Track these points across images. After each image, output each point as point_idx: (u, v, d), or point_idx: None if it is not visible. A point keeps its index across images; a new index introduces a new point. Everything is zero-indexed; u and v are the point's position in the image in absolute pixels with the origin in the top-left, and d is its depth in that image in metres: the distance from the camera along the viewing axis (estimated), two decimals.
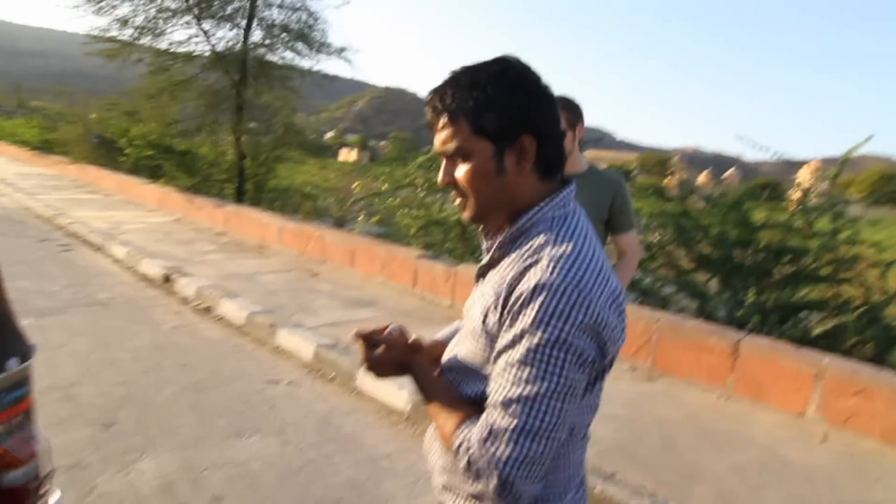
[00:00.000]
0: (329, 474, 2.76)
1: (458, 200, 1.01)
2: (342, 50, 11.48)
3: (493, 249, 1.00)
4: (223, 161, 12.40)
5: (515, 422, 0.85)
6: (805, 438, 3.52)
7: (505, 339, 0.88)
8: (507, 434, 0.85)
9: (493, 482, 0.86)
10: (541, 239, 0.93)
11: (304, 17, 11.29)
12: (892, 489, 3.02)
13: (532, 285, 0.86)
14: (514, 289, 0.89)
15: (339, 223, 12.93)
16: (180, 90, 10.82)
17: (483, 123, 0.92)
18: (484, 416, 0.89)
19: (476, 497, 0.97)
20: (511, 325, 0.88)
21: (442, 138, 0.96)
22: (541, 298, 0.85)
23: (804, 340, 5.04)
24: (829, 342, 5.09)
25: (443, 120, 0.95)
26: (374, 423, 3.39)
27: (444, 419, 0.97)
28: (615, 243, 2.67)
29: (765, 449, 3.33)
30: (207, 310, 5.27)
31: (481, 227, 1.06)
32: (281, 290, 5.89)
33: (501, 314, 0.90)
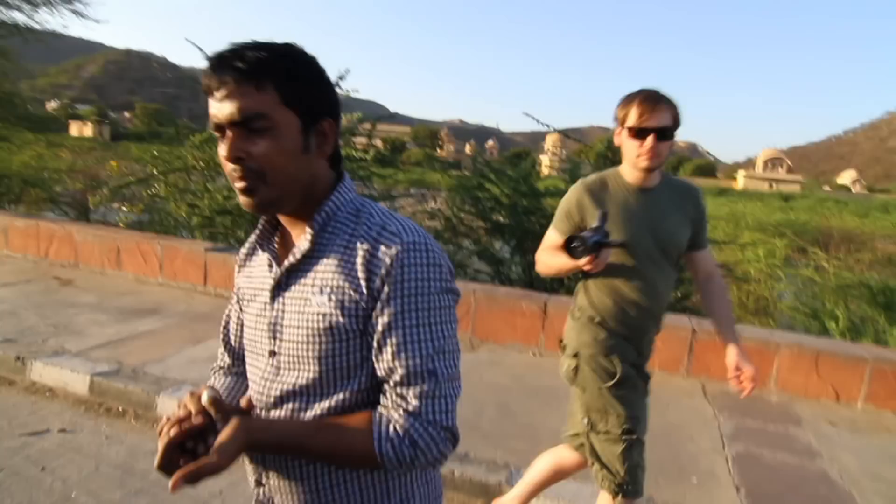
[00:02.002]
0: None
1: (241, 183, 0.83)
2: None
3: (302, 240, 0.89)
4: None
5: (435, 376, 0.83)
6: None
7: (394, 304, 0.83)
8: (436, 391, 0.83)
9: (446, 442, 0.84)
10: (368, 219, 0.88)
11: None
12: (680, 410, 3.63)
13: (399, 250, 0.83)
14: (378, 257, 0.83)
15: (81, 215, 10.70)
16: None
17: (295, 95, 0.83)
18: (401, 396, 0.83)
19: None
20: (393, 288, 0.82)
21: (238, 105, 0.80)
22: (417, 257, 0.84)
23: None
24: None
25: (243, 84, 0.80)
26: None
27: (345, 446, 0.83)
28: (694, 264, 2.02)
29: None
30: None
31: (271, 221, 0.96)
32: (22, 308, 4.59)
33: (370, 282, 0.83)
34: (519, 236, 6.52)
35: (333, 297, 0.85)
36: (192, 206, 6.60)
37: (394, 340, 0.83)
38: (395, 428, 0.82)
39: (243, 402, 0.89)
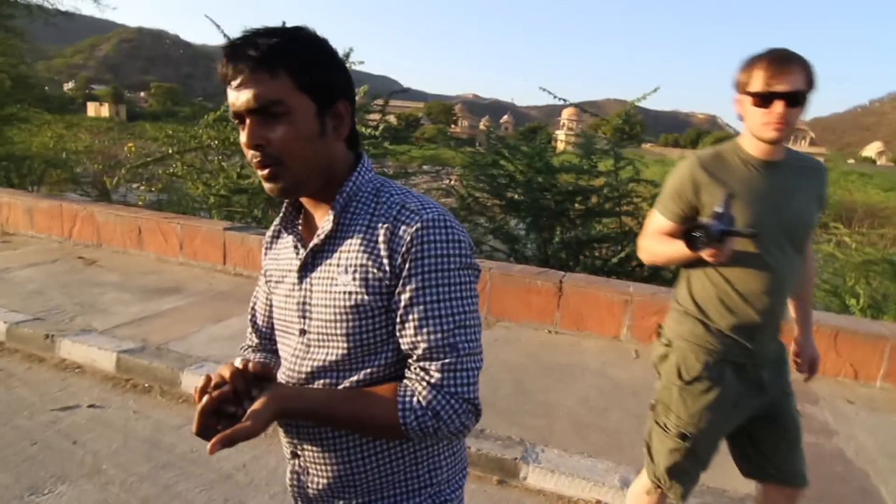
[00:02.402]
0: None
1: (265, 170, 0.87)
2: None
3: (325, 221, 0.92)
4: None
5: (457, 350, 0.86)
6: (623, 357, 4.04)
7: (415, 279, 0.85)
8: (457, 364, 0.86)
9: (468, 414, 0.87)
10: (388, 198, 0.91)
11: None
12: None
13: (419, 228, 0.85)
14: (399, 235, 0.86)
15: (103, 195, 10.84)
16: None
17: (308, 79, 0.85)
18: (424, 368, 0.87)
19: (404, 484, 0.96)
20: (418, 265, 0.85)
21: (254, 92, 0.83)
22: (436, 234, 0.86)
23: (604, 270, 5.78)
24: (620, 268, 5.92)
25: (257, 71, 0.83)
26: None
27: (368, 415, 0.87)
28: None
29: (596, 374, 3.73)
30: None
31: (294, 203, 0.99)
32: (49, 287, 4.71)
33: (392, 260, 0.86)
34: (534, 213, 6.48)
35: (358, 276, 0.88)
36: (207, 186, 6.67)
37: (416, 316, 0.86)
38: (418, 400, 0.85)
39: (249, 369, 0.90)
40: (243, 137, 0.86)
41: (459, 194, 7.00)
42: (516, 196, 6.58)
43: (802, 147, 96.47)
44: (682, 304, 1.74)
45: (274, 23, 0.88)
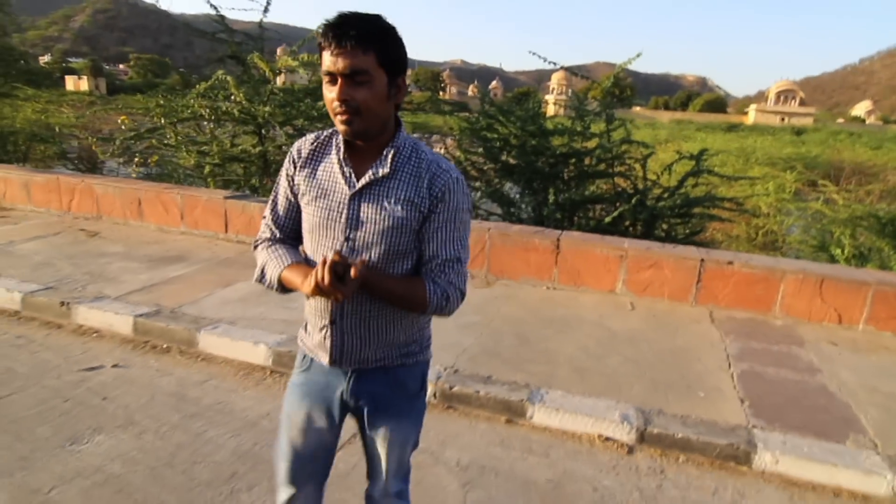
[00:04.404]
0: (210, 452, 2.45)
1: (343, 116, 1.19)
2: None
3: (383, 163, 1.27)
4: None
5: (461, 263, 1.33)
6: (619, 309, 4.22)
7: (440, 216, 1.28)
8: (461, 271, 1.33)
9: (460, 299, 1.33)
10: (428, 155, 1.30)
11: None
12: (688, 334, 3.83)
13: (449, 181, 1.28)
14: (436, 186, 1.27)
15: (91, 169, 10.74)
16: None
17: (386, 59, 1.18)
18: (439, 271, 1.30)
19: (410, 346, 1.41)
20: (444, 206, 1.28)
21: (349, 62, 1.15)
22: (459, 187, 1.29)
23: (599, 228, 5.92)
24: (613, 227, 6.06)
25: (354, 48, 1.14)
26: (237, 386, 3.07)
27: (413, 296, 1.29)
28: None
29: (594, 325, 3.91)
30: None
31: (355, 143, 1.28)
32: (56, 259, 4.79)
33: (430, 203, 1.27)
34: (528, 176, 6.58)
35: (405, 206, 1.27)
36: (202, 154, 6.68)
37: (439, 237, 1.30)
38: (438, 287, 1.30)
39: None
40: (334, 93, 1.18)
41: (456, 159, 7.07)
42: (510, 160, 6.66)
43: (792, 107, 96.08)
44: None
45: None
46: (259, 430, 2.65)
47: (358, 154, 1.29)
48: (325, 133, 1.37)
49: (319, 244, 1.33)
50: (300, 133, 7.00)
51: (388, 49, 1.18)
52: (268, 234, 1.43)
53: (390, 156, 1.26)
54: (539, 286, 4.64)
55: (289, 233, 1.42)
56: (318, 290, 1.16)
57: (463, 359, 3.28)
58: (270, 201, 1.45)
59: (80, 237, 5.52)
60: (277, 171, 7.21)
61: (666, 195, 6.42)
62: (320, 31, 1.17)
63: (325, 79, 1.19)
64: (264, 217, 1.45)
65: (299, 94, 6.88)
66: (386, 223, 1.26)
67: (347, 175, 1.29)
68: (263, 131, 6.99)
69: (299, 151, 1.36)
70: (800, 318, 4.17)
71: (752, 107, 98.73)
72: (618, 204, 6.17)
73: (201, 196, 5.75)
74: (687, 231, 6.76)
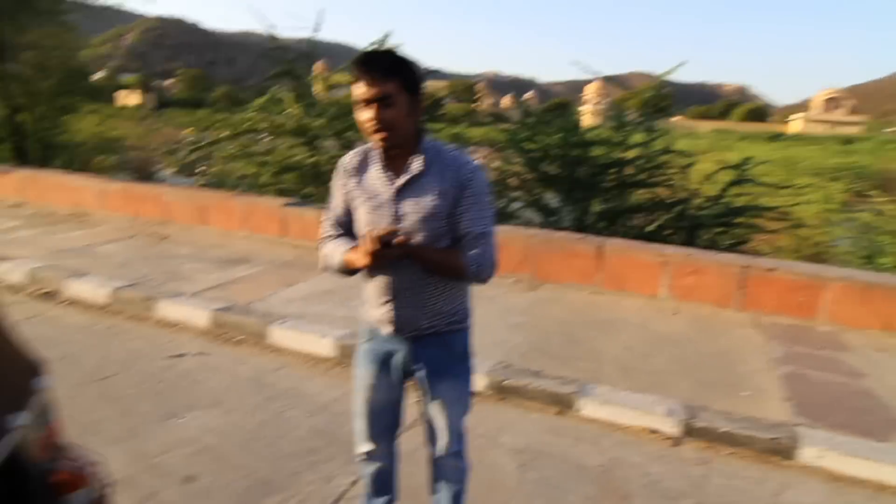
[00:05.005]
0: (290, 429, 2.73)
1: (378, 134, 1.49)
2: None
3: (414, 165, 1.56)
4: None
5: (489, 236, 1.60)
6: (663, 313, 4.36)
7: (467, 200, 1.56)
8: (490, 243, 1.60)
9: (491, 266, 1.61)
10: (449, 153, 1.59)
11: None
12: (731, 338, 3.94)
13: (470, 171, 1.56)
14: (460, 176, 1.55)
15: (146, 176, 11.41)
16: None
17: (407, 85, 1.48)
18: (472, 244, 1.57)
19: (455, 314, 1.69)
20: (469, 191, 1.56)
21: (378, 90, 1.44)
22: (479, 174, 1.58)
23: (640, 236, 6.05)
24: (654, 235, 6.18)
25: (380, 78, 1.44)
26: (307, 374, 3.36)
27: (452, 263, 1.58)
28: None
29: (639, 327, 4.07)
30: (50, 295, 4.49)
31: (390, 153, 1.57)
32: (133, 259, 5.22)
33: (457, 191, 1.55)
34: (569, 186, 6.76)
35: (440, 196, 1.55)
36: (262, 164, 7.11)
37: (469, 216, 1.57)
38: (473, 256, 1.58)
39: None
40: (367, 114, 1.47)
41: (496, 169, 7.29)
42: (551, 170, 6.84)
43: (839, 115, 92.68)
44: None
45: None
46: (331, 412, 2.92)
47: (394, 161, 1.58)
48: (363, 148, 1.67)
49: None
50: (349, 143, 7.38)
51: (406, 76, 1.47)
52: (330, 232, 1.73)
53: (420, 158, 1.55)
54: (583, 290, 4.81)
55: (346, 231, 1.71)
56: (371, 256, 1.46)
57: (513, 355, 3.49)
58: (328, 207, 1.74)
59: (151, 241, 5.97)
60: (328, 180, 7.58)
61: (708, 204, 6.50)
62: (352, 65, 1.49)
63: (360, 105, 1.48)
64: (325, 220, 1.75)
65: (348, 108, 7.24)
66: (424, 212, 1.54)
67: (389, 178, 1.58)
68: (315, 143, 7.40)
69: (346, 165, 1.67)
70: (844, 325, 4.21)
71: (796, 115, 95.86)
72: (659, 213, 6.29)
73: (260, 204, 6.15)
74: (730, 242, 6.79)
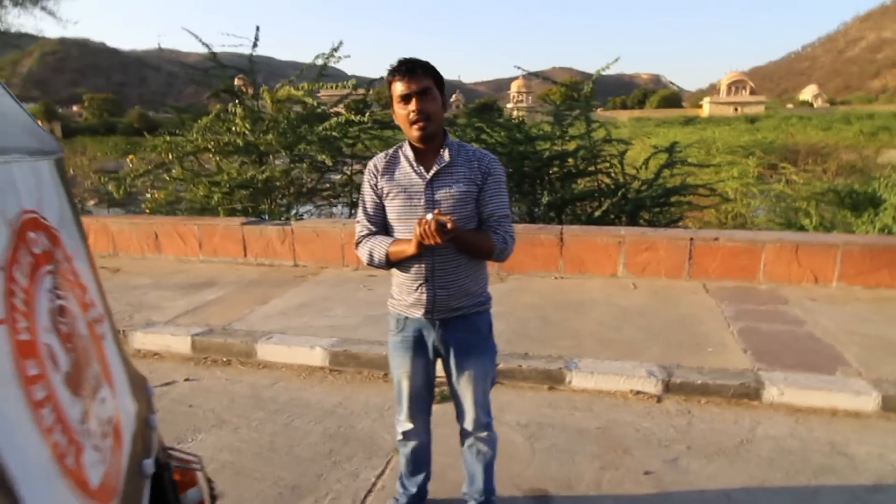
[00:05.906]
0: (302, 436, 2.80)
1: (420, 123, 1.70)
2: None
3: (444, 157, 1.78)
4: None
5: (510, 218, 1.84)
6: (624, 289, 4.70)
7: (490, 186, 1.79)
8: (511, 223, 1.83)
9: (513, 243, 1.83)
10: (469, 147, 1.84)
11: None
12: (688, 304, 4.32)
13: (491, 161, 1.82)
14: (483, 166, 1.79)
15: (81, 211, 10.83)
16: None
17: (438, 82, 1.74)
18: (497, 224, 1.80)
19: (480, 296, 1.90)
20: (491, 178, 1.80)
21: (420, 85, 1.69)
22: (498, 164, 1.84)
23: (589, 222, 6.42)
24: (601, 220, 6.57)
25: (420, 76, 1.68)
26: (304, 385, 3.42)
27: (483, 243, 1.79)
28: None
29: (605, 304, 4.37)
30: None
31: (424, 145, 1.78)
32: None
33: (482, 178, 1.78)
34: (517, 180, 7.07)
35: (467, 184, 1.79)
36: (213, 185, 6.97)
37: (493, 201, 1.80)
38: (499, 235, 1.79)
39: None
40: (412, 106, 1.69)
41: None
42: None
43: (744, 97, 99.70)
44: None
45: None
46: (337, 416, 3.01)
47: (422, 155, 1.79)
48: (390, 151, 1.87)
49: (405, 226, 1.79)
50: (300, 157, 7.37)
51: (436, 76, 1.73)
52: (365, 232, 1.88)
53: (447, 151, 1.78)
54: (548, 277, 5.09)
55: (380, 228, 1.87)
56: (423, 240, 1.63)
57: (499, 342, 3.63)
58: (360, 209, 1.91)
59: (103, 274, 5.75)
60: (283, 195, 7.54)
61: (645, 187, 6.97)
62: (392, 70, 1.71)
63: (399, 101, 1.71)
64: (359, 221, 1.90)
65: (296, 122, 7.24)
66: (454, 198, 1.75)
67: (420, 171, 1.79)
68: (265, 159, 7.34)
69: (376, 166, 1.85)
70: (781, 281, 4.70)
71: (707, 99, 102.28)
72: (603, 199, 6.70)
73: (218, 224, 6.06)
74: (667, 221, 7.32)
